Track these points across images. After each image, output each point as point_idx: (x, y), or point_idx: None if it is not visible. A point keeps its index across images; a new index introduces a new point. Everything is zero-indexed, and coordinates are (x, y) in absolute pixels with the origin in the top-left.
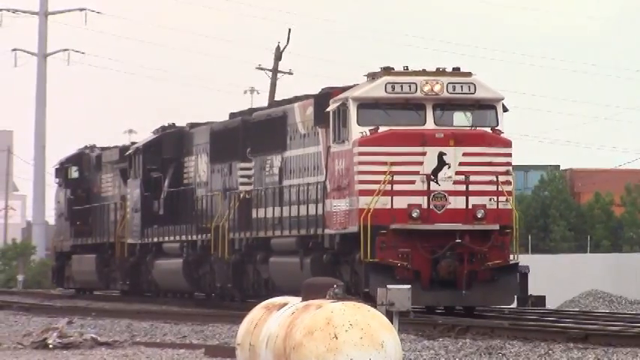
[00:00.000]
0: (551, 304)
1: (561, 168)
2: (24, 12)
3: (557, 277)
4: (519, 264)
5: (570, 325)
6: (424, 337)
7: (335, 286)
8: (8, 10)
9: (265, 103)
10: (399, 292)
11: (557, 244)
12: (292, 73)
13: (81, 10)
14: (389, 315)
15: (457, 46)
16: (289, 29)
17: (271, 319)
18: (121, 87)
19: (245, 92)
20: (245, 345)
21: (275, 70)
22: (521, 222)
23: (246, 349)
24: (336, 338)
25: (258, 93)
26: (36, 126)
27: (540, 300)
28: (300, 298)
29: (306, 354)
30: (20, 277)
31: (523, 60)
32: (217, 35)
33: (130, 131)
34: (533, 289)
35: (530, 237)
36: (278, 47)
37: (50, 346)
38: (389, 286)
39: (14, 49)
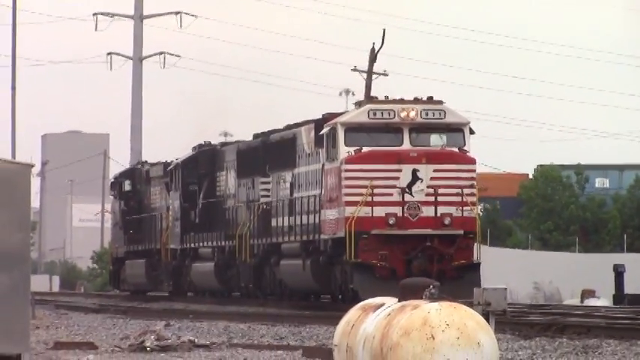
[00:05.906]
0: None
1: None
2: (119, 16)
3: None
4: (479, 263)
5: None
6: (521, 337)
7: (431, 286)
8: (104, 14)
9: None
10: (496, 292)
11: None
12: (387, 74)
13: (176, 13)
14: (485, 315)
15: (552, 46)
16: (384, 30)
17: (368, 320)
18: (217, 89)
19: (340, 94)
20: (342, 346)
21: (370, 72)
22: (616, 221)
23: (343, 350)
24: (433, 338)
25: (353, 94)
26: (132, 129)
27: (636, 298)
28: (396, 299)
29: (403, 354)
30: None
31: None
32: (313, 37)
33: (225, 134)
34: (630, 288)
35: (625, 236)
36: (373, 49)
37: (148, 348)
38: (485, 286)
39: (109, 53)
